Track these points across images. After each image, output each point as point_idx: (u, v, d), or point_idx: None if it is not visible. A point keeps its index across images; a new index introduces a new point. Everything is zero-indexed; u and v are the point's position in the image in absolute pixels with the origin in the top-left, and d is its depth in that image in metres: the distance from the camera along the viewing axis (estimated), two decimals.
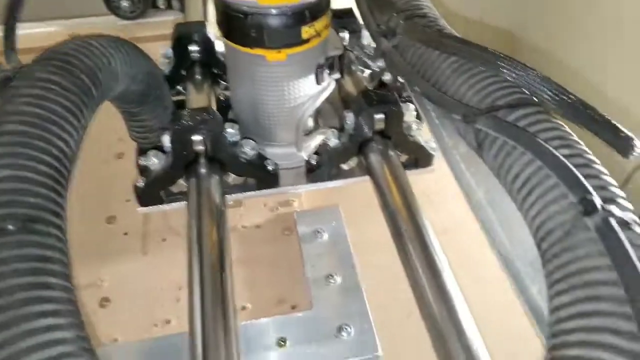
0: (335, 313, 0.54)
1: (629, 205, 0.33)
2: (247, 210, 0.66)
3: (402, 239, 0.51)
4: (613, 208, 0.31)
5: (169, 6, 1.02)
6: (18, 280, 0.28)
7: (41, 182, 0.33)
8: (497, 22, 1.27)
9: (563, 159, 0.34)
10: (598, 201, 0.30)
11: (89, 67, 0.42)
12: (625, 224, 0.30)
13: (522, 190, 0.36)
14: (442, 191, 0.71)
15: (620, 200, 0.33)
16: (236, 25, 0.51)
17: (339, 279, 0.57)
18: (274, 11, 0.50)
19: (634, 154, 0.36)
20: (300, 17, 0.51)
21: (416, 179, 0.60)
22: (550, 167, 0.34)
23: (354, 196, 0.69)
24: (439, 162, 0.64)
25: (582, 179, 0.32)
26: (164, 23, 0.99)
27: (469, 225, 0.68)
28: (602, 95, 0.92)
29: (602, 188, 0.33)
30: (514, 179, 0.38)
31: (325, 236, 0.62)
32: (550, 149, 0.35)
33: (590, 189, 0.31)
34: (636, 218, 0.32)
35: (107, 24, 0.98)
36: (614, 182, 0.34)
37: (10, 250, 0.29)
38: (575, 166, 0.34)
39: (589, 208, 0.30)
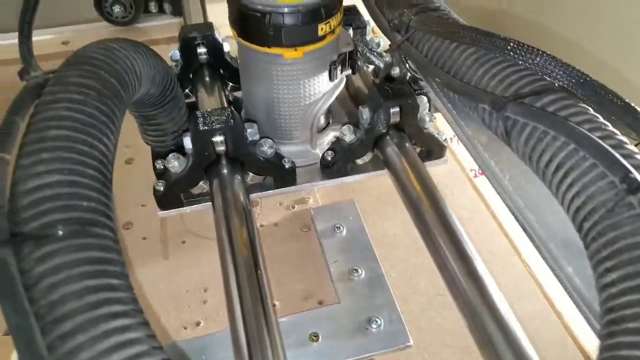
0: (363, 306, 0.55)
1: None
2: (264, 210, 0.66)
3: (427, 227, 0.52)
4: None
5: (161, 10, 1.01)
6: (85, 283, 0.28)
7: (91, 186, 0.33)
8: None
9: (599, 140, 0.35)
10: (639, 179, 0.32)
11: (116, 71, 0.42)
12: None
13: (557, 174, 0.38)
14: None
15: None
16: (253, 25, 0.51)
17: (362, 272, 0.58)
18: (291, 9, 0.50)
19: None
20: (317, 14, 0.51)
21: None
22: (587, 150, 0.35)
23: (365, 191, 0.70)
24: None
25: (622, 159, 0.33)
26: (157, 27, 0.99)
27: (479, 214, 0.70)
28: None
29: (637, 167, 0.34)
30: (547, 164, 0.39)
31: (344, 231, 0.62)
32: (585, 131, 0.36)
33: (631, 168, 0.33)
34: None
35: (98, 31, 0.96)
36: None
37: (73, 254, 0.29)
38: (610, 147, 0.35)
39: (633, 186, 0.31)
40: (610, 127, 0.38)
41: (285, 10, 0.50)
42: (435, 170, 0.70)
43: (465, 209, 0.70)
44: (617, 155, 0.34)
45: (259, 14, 0.50)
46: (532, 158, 0.41)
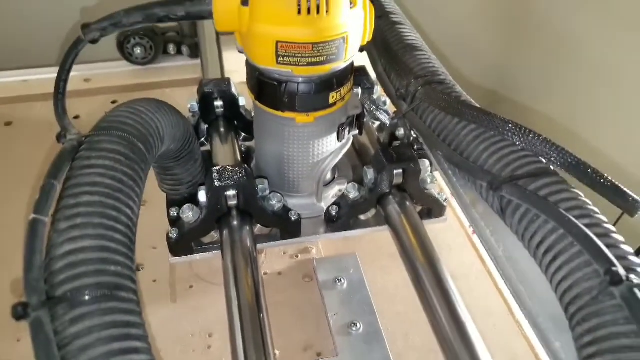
0: None
1: None
2: (268, 258, 0.69)
3: (422, 284, 0.54)
4: (634, 277, 0.35)
5: (179, 52, 1.06)
6: (111, 346, 0.31)
7: (119, 251, 0.36)
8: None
9: (585, 229, 0.38)
10: (622, 272, 0.35)
11: (143, 135, 0.45)
12: None
13: (547, 256, 0.41)
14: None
15: (638, 268, 0.37)
16: (269, 91, 0.55)
17: (361, 327, 0.61)
18: (305, 80, 0.54)
19: (638, 212, 0.41)
20: (329, 84, 0.55)
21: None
22: (575, 237, 0.38)
23: (367, 244, 0.72)
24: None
25: (606, 250, 0.36)
26: (175, 68, 1.03)
27: (475, 273, 0.73)
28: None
29: (622, 258, 0.37)
30: (539, 245, 0.42)
31: (345, 284, 0.65)
32: (573, 219, 0.39)
33: (614, 260, 0.35)
34: None
35: (120, 69, 1.01)
36: (631, 250, 0.39)
37: (102, 317, 0.32)
38: (596, 236, 0.38)
39: (615, 279, 0.34)
40: (599, 215, 0.42)
41: (300, 80, 0.54)
42: (435, 225, 0.73)
43: (462, 265, 0.73)
44: (602, 246, 0.37)
45: (275, 83, 0.54)
46: (524, 237, 0.44)
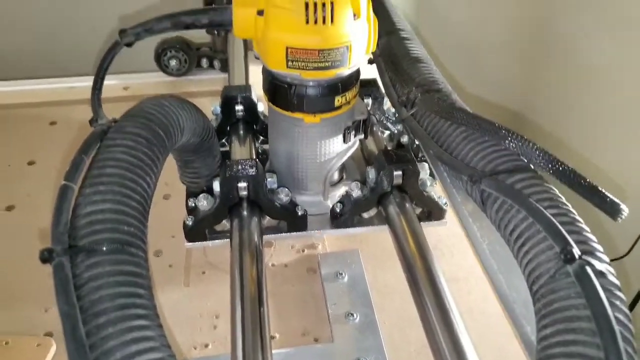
0: (353, 347, 0.61)
1: (605, 258, 0.40)
2: (277, 251, 0.74)
3: (417, 284, 0.57)
4: (590, 258, 0.38)
5: (211, 66, 1.14)
6: (118, 289, 0.36)
7: (132, 215, 0.42)
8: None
9: (550, 217, 0.42)
10: (577, 252, 0.38)
11: (164, 124, 0.52)
12: (599, 273, 0.38)
13: (518, 242, 0.44)
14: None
15: (598, 253, 0.40)
16: (281, 94, 0.61)
17: (357, 317, 0.64)
18: (313, 83, 0.60)
19: (622, 216, 0.44)
20: (334, 88, 0.60)
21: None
22: (540, 223, 0.42)
23: (372, 242, 0.76)
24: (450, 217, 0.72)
25: (565, 233, 0.40)
26: (206, 80, 1.12)
27: (475, 275, 0.76)
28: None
29: (582, 242, 0.41)
30: (511, 232, 0.45)
31: (346, 277, 0.69)
32: (541, 208, 0.43)
33: (571, 241, 0.39)
34: (610, 268, 0.40)
35: (156, 79, 1.10)
36: (594, 237, 0.42)
37: (112, 266, 0.37)
38: (561, 223, 0.41)
39: (568, 256, 0.38)
40: (568, 206, 0.45)
41: (308, 83, 0.59)
42: (438, 230, 0.77)
43: (462, 269, 0.76)
44: (562, 230, 0.40)
45: (286, 85, 0.60)
46: (500, 226, 0.47)
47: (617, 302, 0.36)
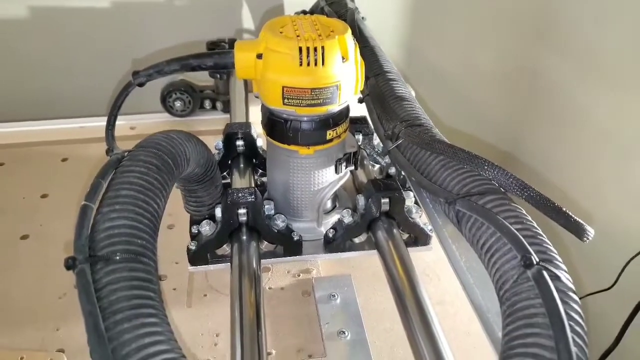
0: None
1: (562, 265, 0.46)
2: (274, 275, 0.78)
3: (404, 306, 0.60)
4: (547, 264, 0.44)
5: (214, 107, 1.22)
6: (133, 292, 0.41)
7: (144, 230, 0.47)
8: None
9: (515, 230, 0.47)
10: (535, 258, 0.43)
11: (172, 154, 0.58)
12: (555, 277, 0.43)
13: (487, 254, 0.49)
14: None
15: (556, 261, 0.46)
16: (278, 128, 0.68)
17: (348, 334, 0.68)
18: (307, 119, 0.66)
19: (588, 237, 0.49)
20: (326, 123, 0.67)
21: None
22: (506, 236, 0.47)
23: (364, 267, 0.81)
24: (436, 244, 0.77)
25: (526, 243, 0.45)
26: (209, 120, 1.19)
27: (461, 299, 0.80)
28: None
29: (542, 252, 0.46)
30: (482, 246, 0.51)
31: (339, 299, 0.74)
32: (507, 224, 0.48)
33: (531, 250, 0.44)
34: (566, 274, 0.45)
35: (161, 119, 1.17)
36: (553, 248, 0.47)
37: (127, 272, 0.43)
38: (525, 236, 0.47)
39: (527, 262, 0.43)
40: (532, 223, 0.50)
41: (304, 118, 0.66)
42: (425, 256, 0.81)
43: (448, 293, 0.80)
44: (524, 241, 0.46)
45: (282, 120, 0.66)
46: (473, 241, 0.53)
47: (570, 302, 0.41)
